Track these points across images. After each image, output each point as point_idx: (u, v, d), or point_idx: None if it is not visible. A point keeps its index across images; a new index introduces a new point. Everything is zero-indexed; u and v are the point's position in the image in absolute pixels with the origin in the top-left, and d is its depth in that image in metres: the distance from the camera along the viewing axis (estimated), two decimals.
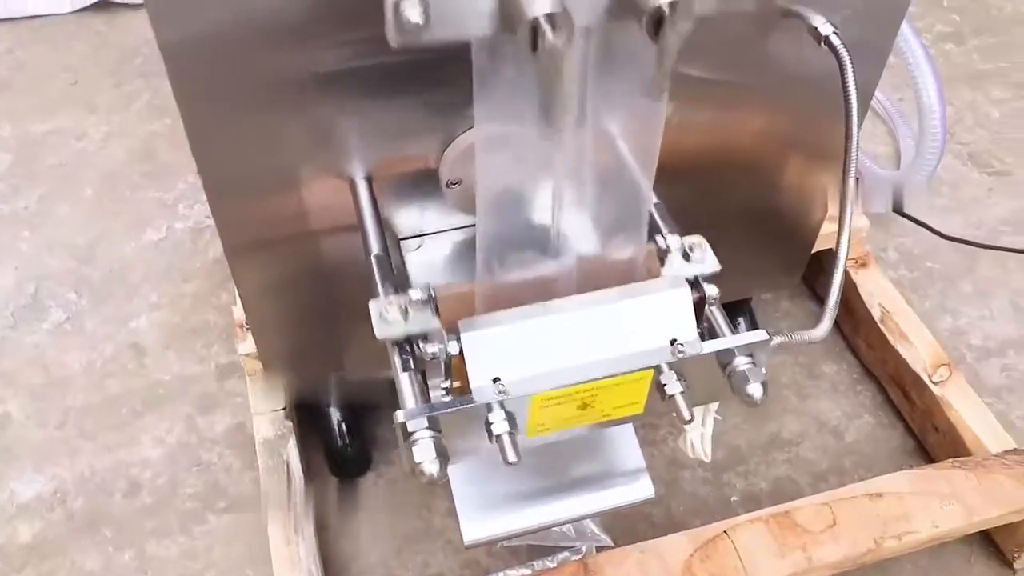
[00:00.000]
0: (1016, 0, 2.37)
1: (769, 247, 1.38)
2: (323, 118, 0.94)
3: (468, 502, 1.07)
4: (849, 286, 1.54)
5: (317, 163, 0.98)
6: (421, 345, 0.79)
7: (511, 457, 0.78)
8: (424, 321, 0.84)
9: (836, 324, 1.61)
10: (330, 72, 0.91)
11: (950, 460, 1.25)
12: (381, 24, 0.81)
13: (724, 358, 0.85)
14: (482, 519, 1.06)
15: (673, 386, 0.84)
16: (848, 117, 1.01)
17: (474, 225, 1.08)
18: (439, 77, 0.95)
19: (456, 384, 0.83)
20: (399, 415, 0.77)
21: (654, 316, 0.82)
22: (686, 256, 0.87)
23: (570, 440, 1.08)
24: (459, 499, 1.07)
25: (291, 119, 0.93)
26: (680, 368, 0.83)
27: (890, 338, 1.46)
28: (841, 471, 1.44)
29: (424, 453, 0.77)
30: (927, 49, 1.30)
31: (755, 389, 0.84)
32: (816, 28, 1.01)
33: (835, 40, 1.00)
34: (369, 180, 1.01)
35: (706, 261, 0.87)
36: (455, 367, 0.80)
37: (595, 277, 0.84)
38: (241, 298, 1.12)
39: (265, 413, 1.30)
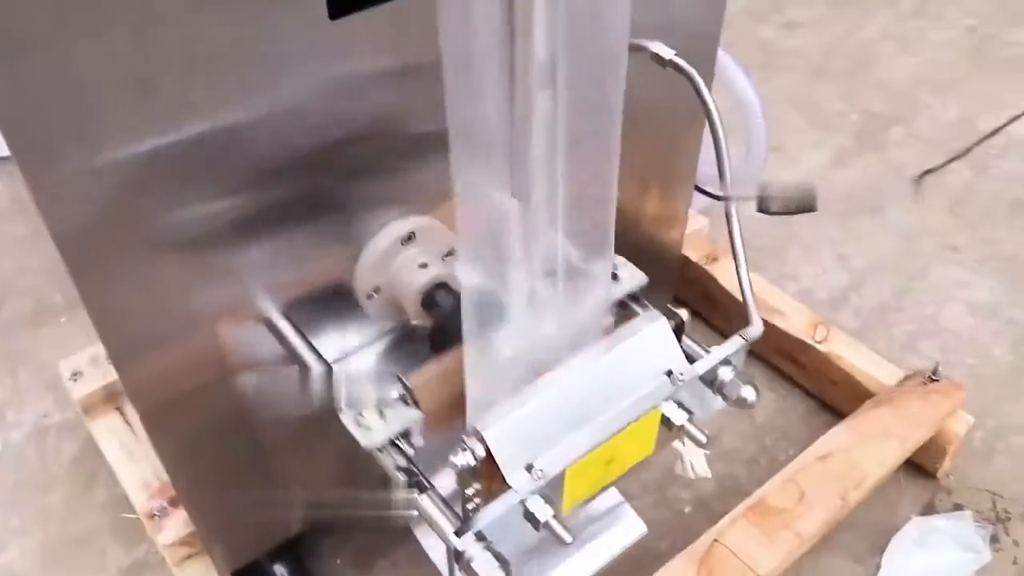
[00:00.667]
0: None
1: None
2: (219, 262, 0.88)
3: None
4: (709, 281, 1.63)
5: (225, 307, 0.91)
6: (449, 459, 0.74)
7: (567, 538, 0.76)
8: (404, 416, 0.81)
9: (704, 319, 1.72)
10: (218, 218, 0.85)
11: (868, 402, 1.36)
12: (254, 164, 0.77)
13: (709, 374, 0.88)
14: None
15: (678, 416, 0.85)
16: (712, 124, 1.08)
17: (395, 329, 1.06)
18: (329, 194, 0.92)
19: (482, 484, 0.79)
20: (454, 542, 0.72)
21: (645, 355, 0.83)
22: (615, 277, 0.90)
23: None
24: None
25: (188, 270, 0.86)
26: (680, 397, 0.85)
27: (764, 316, 1.55)
28: (767, 450, 1.51)
29: (488, 569, 0.73)
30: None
31: (748, 392, 0.87)
32: (658, 54, 1.08)
33: (679, 61, 1.07)
34: (287, 316, 0.95)
35: (634, 276, 0.90)
36: (481, 468, 0.77)
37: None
38: (169, 471, 1.01)
39: None
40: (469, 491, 0.78)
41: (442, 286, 0.96)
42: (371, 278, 0.97)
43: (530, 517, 0.76)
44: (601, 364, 0.82)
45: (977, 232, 1.92)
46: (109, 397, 1.35)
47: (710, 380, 0.88)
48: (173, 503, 1.20)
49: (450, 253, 1.02)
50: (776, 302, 1.57)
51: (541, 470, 0.75)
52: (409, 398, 0.80)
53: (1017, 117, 2.20)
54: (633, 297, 0.90)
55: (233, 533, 1.11)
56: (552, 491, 0.77)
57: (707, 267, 1.64)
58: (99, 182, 0.75)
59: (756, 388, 0.87)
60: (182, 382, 0.93)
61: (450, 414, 0.82)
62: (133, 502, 1.24)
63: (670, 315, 0.86)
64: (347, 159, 0.91)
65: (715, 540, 1.17)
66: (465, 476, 0.77)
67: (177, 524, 1.18)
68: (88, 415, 1.34)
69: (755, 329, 0.97)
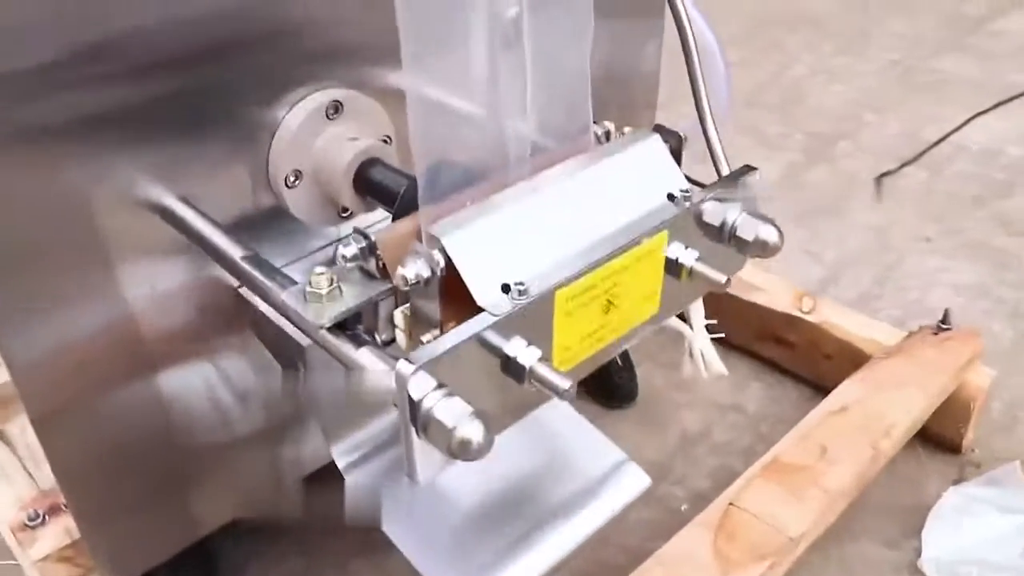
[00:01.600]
0: None
1: None
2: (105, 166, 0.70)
3: None
4: None
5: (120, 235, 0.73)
6: (399, 271, 0.54)
7: (562, 384, 0.55)
8: (364, 286, 0.61)
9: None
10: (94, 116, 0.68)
11: (875, 356, 1.19)
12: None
13: (716, 216, 0.70)
14: None
15: (687, 256, 0.67)
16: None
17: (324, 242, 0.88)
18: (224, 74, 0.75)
19: (443, 330, 0.58)
20: (404, 369, 0.51)
21: (639, 174, 0.66)
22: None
23: (530, 466, 0.87)
24: None
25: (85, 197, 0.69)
26: (686, 233, 0.67)
27: (743, 296, 1.39)
28: (764, 438, 1.31)
29: (454, 414, 0.51)
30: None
31: (768, 232, 0.69)
32: None
33: None
34: (186, 200, 0.76)
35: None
36: (444, 296, 0.57)
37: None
38: (57, 473, 0.79)
39: None
40: (425, 338, 0.58)
41: (378, 162, 0.78)
42: (290, 158, 0.78)
43: (511, 366, 0.56)
44: (590, 177, 0.63)
45: (945, 224, 1.82)
46: None
47: (718, 228, 0.70)
48: (52, 512, 0.95)
49: (387, 140, 0.85)
50: (757, 281, 1.40)
51: (522, 284, 0.56)
52: (375, 264, 0.60)
53: (960, 127, 2.16)
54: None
55: (131, 539, 0.87)
56: (537, 336, 0.57)
57: None
58: None
59: (778, 228, 0.69)
60: (86, 370, 0.75)
61: None
62: (2, 523, 0.98)
63: (666, 134, 0.69)
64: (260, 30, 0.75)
65: (730, 504, 0.96)
66: (418, 309, 0.57)
67: (55, 534, 0.92)
68: None
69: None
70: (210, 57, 0.73)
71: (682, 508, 1.21)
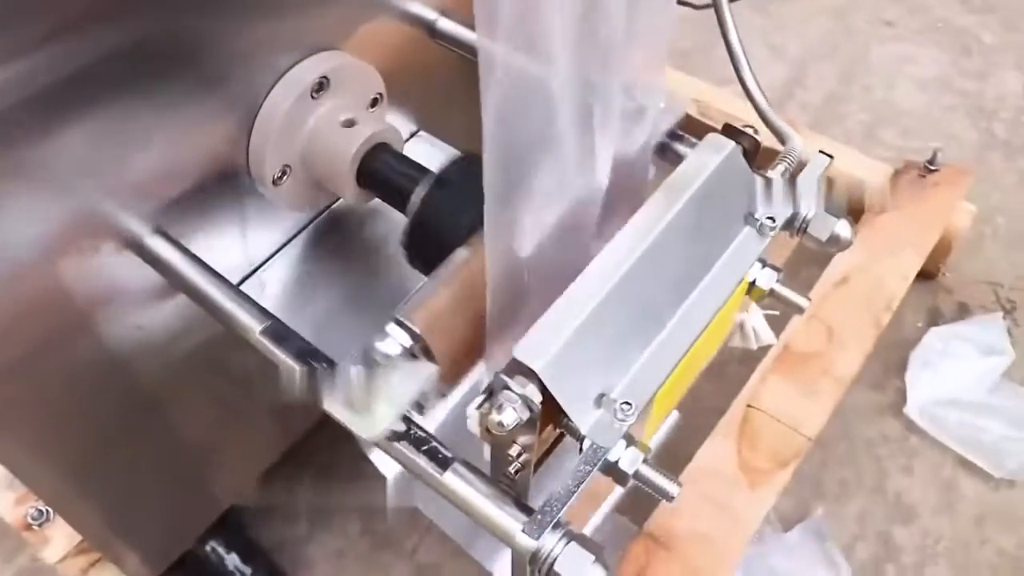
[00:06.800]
0: None
1: None
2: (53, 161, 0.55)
3: None
4: None
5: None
6: (494, 418, 0.47)
7: (672, 490, 0.51)
8: (409, 377, 0.53)
9: None
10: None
11: (869, 211, 1.16)
12: None
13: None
14: None
15: (766, 277, 0.61)
16: None
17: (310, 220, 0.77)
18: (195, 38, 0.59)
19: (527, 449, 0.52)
20: (524, 545, 0.46)
21: (719, 201, 0.57)
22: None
23: None
24: None
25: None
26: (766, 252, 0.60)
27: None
28: None
29: (579, 565, 0.47)
30: None
31: (843, 227, 0.63)
32: None
33: None
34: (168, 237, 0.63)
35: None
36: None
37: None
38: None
39: None
40: (512, 452, 0.52)
41: (382, 147, 0.66)
42: (277, 154, 0.66)
43: (613, 471, 0.51)
44: (665, 235, 0.54)
45: (907, 2, 1.72)
46: None
47: (788, 222, 0.63)
48: None
49: (376, 101, 0.72)
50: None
51: (626, 403, 0.49)
52: (416, 346, 0.51)
53: None
54: (675, 135, 0.65)
55: (145, 536, 0.82)
56: (636, 427, 0.52)
57: None
58: None
59: (850, 221, 0.63)
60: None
61: (468, 358, 0.54)
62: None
63: (738, 137, 0.60)
64: None
65: (748, 406, 0.97)
66: (509, 437, 0.50)
67: (67, 530, 0.87)
68: None
69: (796, 141, 0.73)
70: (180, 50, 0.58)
71: None
